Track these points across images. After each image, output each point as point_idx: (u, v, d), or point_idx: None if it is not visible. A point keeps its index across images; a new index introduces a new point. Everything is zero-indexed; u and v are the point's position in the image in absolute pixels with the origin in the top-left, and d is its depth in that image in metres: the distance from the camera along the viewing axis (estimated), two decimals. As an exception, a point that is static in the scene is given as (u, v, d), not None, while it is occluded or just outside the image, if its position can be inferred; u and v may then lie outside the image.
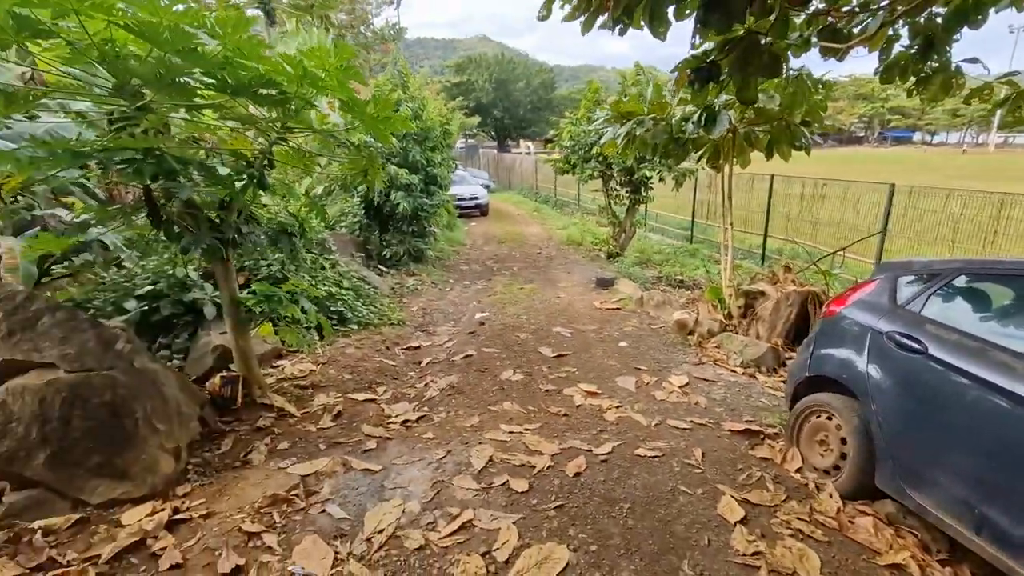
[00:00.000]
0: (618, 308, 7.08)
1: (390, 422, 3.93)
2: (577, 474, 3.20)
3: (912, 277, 3.01)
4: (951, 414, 2.41)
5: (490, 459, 3.36)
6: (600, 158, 9.90)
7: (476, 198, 18.04)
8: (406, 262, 9.42)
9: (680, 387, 4.53)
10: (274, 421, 3.82)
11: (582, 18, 2.97)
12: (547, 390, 4.54)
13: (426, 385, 4.67)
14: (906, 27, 3.63)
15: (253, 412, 3.89)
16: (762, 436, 3.69)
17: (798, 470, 3.25)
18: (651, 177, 9.83)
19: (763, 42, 3.03)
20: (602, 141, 6.22)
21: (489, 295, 8.02)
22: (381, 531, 2.66)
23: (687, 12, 2.83)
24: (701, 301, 6.65)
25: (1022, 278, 2.60)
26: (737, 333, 5.88)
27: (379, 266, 8.90)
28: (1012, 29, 52.47)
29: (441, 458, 3.40)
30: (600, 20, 2.91)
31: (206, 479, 3.10)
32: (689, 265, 10.33)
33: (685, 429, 3.81)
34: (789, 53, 3.65)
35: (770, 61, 3.12)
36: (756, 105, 5.43)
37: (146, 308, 4.47)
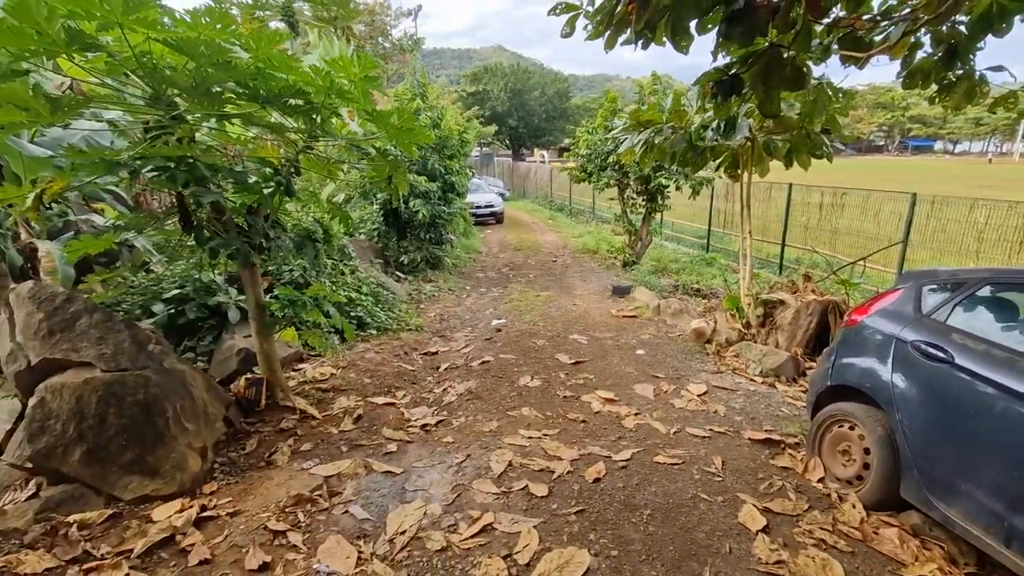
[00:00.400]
0: (635, 316, 7.08)
1: (410, 426, 3.98)
2: (596, 480, 3.20)
3: (937, 286, 2.99)
4: (979, 424, 2.38)
5: (509, 464, 3.38)
6: (616, 167, 9.92)
7: (491, 206, 18.15)
8: (423, 269, 9.51)
9: (699, 395, 4.51)
10: (296, 423, 3.88)
11: (606, 35, 3.01)
12: (565, 396, 4.55)
13: (444, 390, 4.71)
14: (928, 35, 3.63)
15: (276, 414, 3.96)
16: (783, 445, 3.66)
17: (820, 480, 3.22)
18: (667, 186, 9.81)
19: (786, 55, 3.04)
20: (620, 149, 6.25)
21: (505, 302, 8.06)
22: (403, 532, 2.70)
23: (709, 26, 2.85)
24: (719, 310, 6.62)
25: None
26: (756, 342, 5.84)
27: (397, 272, 8.99)
28: (1037, 37, 51.62)
29: (461, 462, 3.43)
30: (623, 36, 2.95)
31: (232, 478, 3.17)
32: (706, 274, 10.27)
33: (704, 437, 3.79)
34: (811, 63, 3.66)
35: (793, 74, 3.13)
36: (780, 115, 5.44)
37: (172, 311, 4.59)
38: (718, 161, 6.26)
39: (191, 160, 2.94)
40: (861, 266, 7.53)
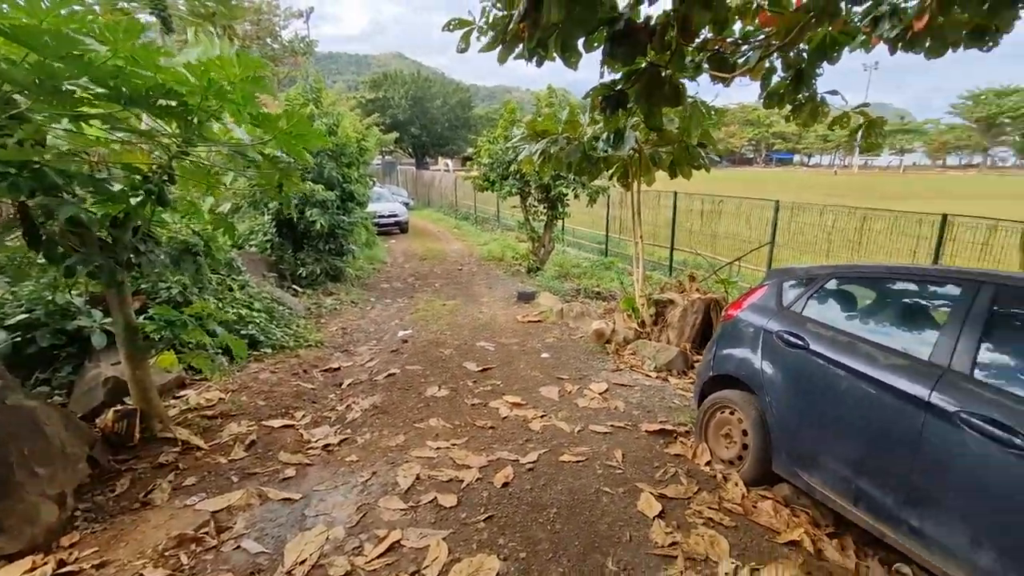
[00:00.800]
0: (539, 321, 7.27)
1: (310, 448, 3.76)
2: (505, 484, 3.24)
3: (794, 282, 3.39)
4: (829, 401, 2.73)
5: (417, 477, 3.32)
6: (518, 175, 10.16)
7: (395, 215, 17.78)
8: (323, 281, 9.07)
9: (600, 393, 4.73)
10: (178, 456, 3.52)
11: (499, 48, 3.10)
12: (473, 404, 4.56)
13: (348, 407, 4.51)
14: (780, 60, 4.15)
15: (153, 448, 3.57)
16: (675, 434, 3.94)
17: (707, 463, 3.51)
18: (567, 194, 10.22)
19: (664, 74, 3.31)
20: (519, 158, 6.42)
21: (412, 312, 7.92)
22: (303, 561, 2.54)
23: (595, 44, 3.04)
24: (617, 311, 6.99)
25: (881, 280, 3.03)
26: (651, 340, 6.24)
27: (294, 286, 8.50)
28: (866, 67, 60.91)
29: (366, 480, 3.30)
30: (516, 51, 3.05)
31: (98, 525, 2.80)
32: (605, 277, 10.81)
33: (606, 433, 3.98)
34: (686, 82, 4.02)
35: (671, 92, 3.40)
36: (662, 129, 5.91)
37: (19, 339, 3.98)
38: (611, 171, 6.66)
39: (37, 165, 2.59)
40: (737, 266, 8.33)
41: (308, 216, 8.46)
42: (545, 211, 10.74)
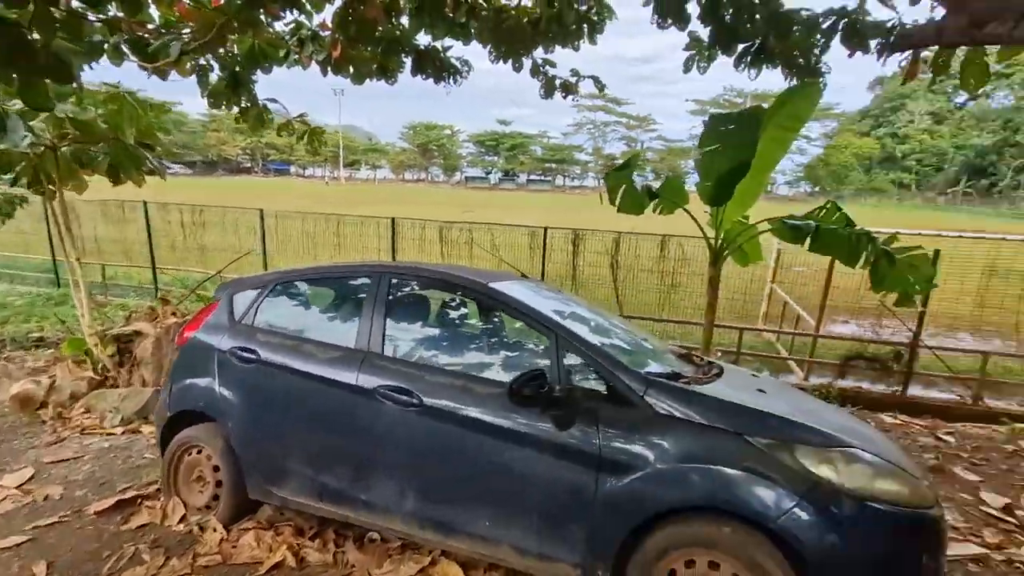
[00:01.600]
0: (-94, 405, 4.62)
1: None
2: None
3: (245, 292, 3.19)
4: (282, 408, 2.70)
5: None
6: None
7: None
8: None
9: (19, 487, 3.32)
10: None
11: None
12: None
13: None
14: (216, 60, 3.90)
15: None
16: (139, 500, 3.16)
17: (181, 519, 2.95)
18: (-45, 206, 6.96)
19: (32, 37, 2.46)
20: None
21: None
22: None
23: None
24: (59, 360, 5.25)
25: (318, 280, 3.22)
26: (118, 386, 4.97)
27: None
28: (336, 92, 70.11)
29: None
30: None
31: None
32: (56, 315, 8.11)
33: (24, 542, 2.78)
34: (109, 62, 3.24)
35: (55, 63, 2.57)
36: (75, 119, 4.66)
37: None
38: (15, 174, 4.90)
39: None
40: (220, 279, 7.80)
41: None
42: (-89, 233, 7.01)
